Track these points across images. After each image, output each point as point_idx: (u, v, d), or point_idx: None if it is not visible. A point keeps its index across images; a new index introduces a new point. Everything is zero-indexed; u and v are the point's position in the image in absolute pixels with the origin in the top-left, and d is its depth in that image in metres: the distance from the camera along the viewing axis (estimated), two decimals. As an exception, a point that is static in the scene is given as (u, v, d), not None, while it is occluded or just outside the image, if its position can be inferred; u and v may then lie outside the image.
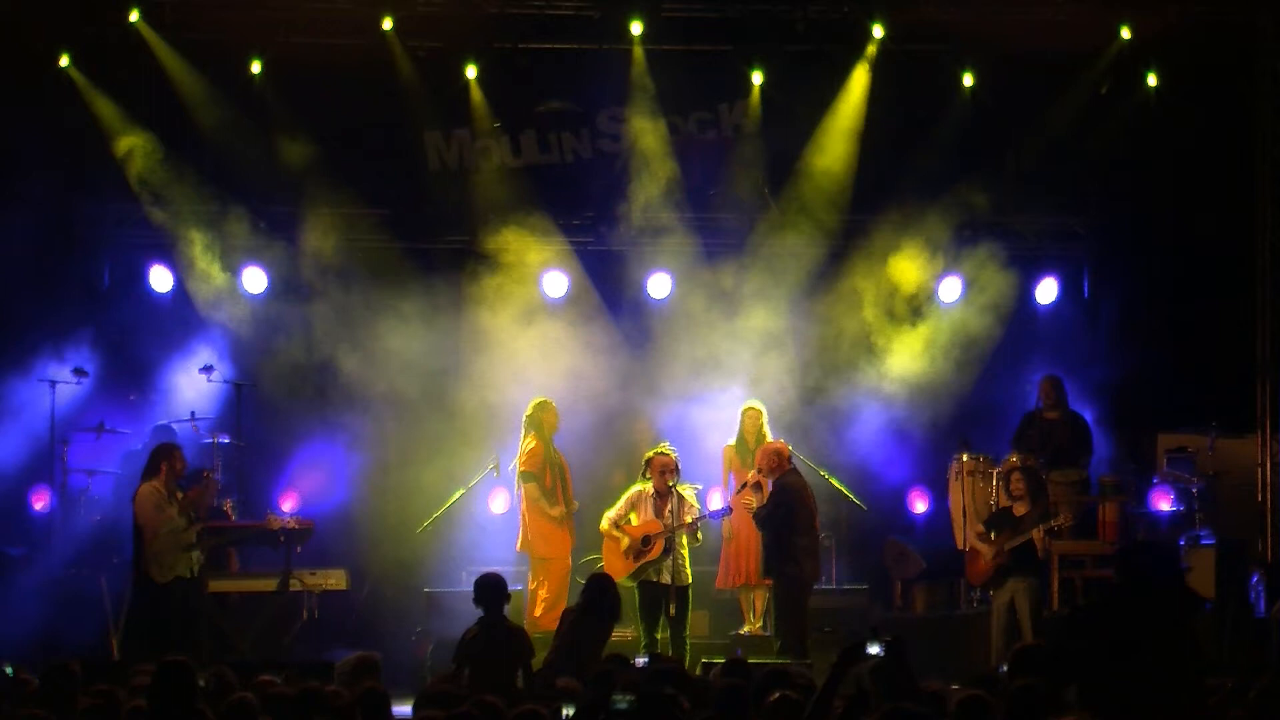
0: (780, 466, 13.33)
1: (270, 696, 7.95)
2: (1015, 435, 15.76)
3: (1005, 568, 13.52)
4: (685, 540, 13.22)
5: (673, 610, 13.10)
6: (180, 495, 13.13)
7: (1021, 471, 14.00)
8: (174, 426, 15.56)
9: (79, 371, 15.44)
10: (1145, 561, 7.68)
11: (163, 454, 13.23)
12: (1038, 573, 13.62)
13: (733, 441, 14.58)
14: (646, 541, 13.09)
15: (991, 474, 14.91)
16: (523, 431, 14.64)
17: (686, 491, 13.29)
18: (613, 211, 16.57)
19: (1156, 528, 15.11)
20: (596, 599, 11.52)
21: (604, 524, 13.41)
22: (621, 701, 7.31)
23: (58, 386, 15.19)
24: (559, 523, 14.42)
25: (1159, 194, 16.21)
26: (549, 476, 14.49)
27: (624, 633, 14.61)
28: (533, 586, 14.33)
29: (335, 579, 14.82)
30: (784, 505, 13.16)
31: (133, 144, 16.00)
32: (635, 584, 13.19)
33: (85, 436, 15.41)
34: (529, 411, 14.66)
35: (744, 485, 13.50)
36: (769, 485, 13.31)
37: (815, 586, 15.08)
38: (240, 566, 15.09)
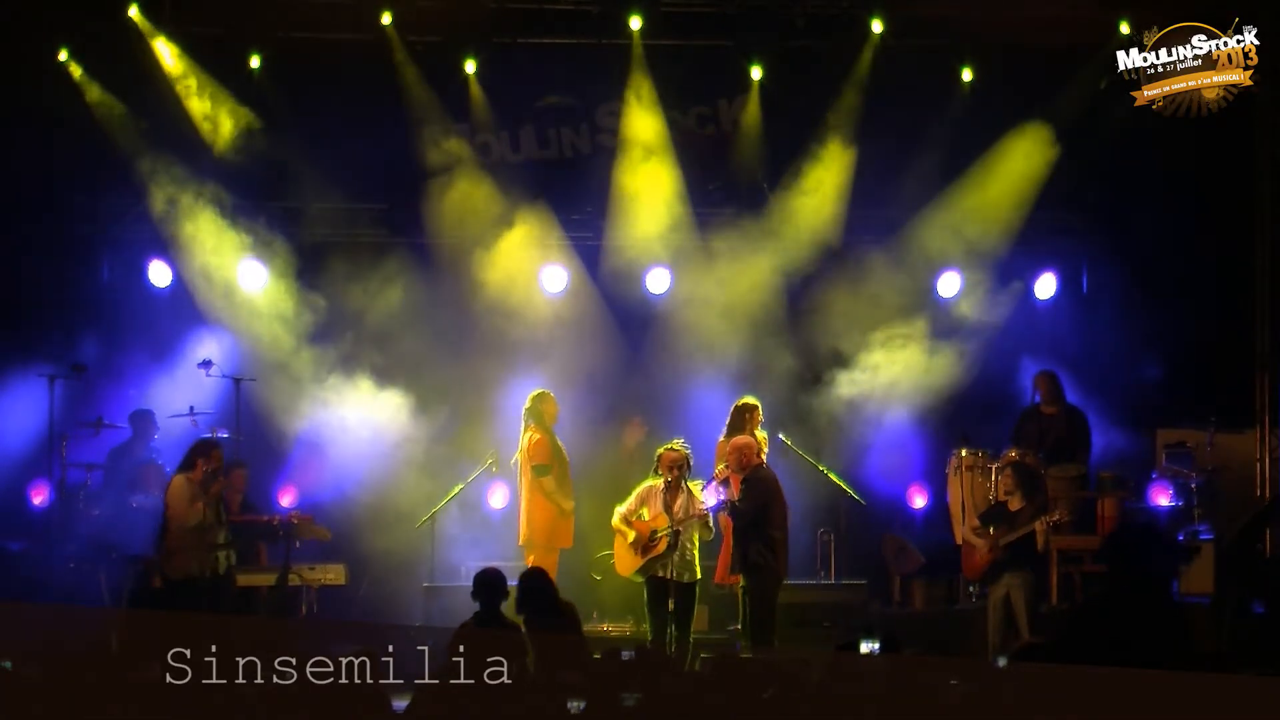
0: (749, 462, 13.30)
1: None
2: (1014, 430, 15.78)
3: (1000, 562, 13.54)
4: (695, 536, 13.16)
5: (671, 605, 13.08)
6: (211, 493, 13.16)
7: (1012, 468, 14.00)
8: (151, 409, 15.57)
9: (77, 367, 15.43)
10: (1135, 549, 7.73)
11: (200, 450, 13.28)
12: (1033, 567, 13.63)
13: (722, 437, 14.54)
14: (653, 537, 13.07)
15: (990, 469, 14.93)
16: (523, 424, 14.65)
17: (696, 488, 13.27)
18: (612, 207, 16.57)
19: (1153, 519, 15.14)
20: (527, 600, 11.30)
21: (615, 519, 13.38)
22: None
23: (56, 381, 15.19)
24: (568, 515, 14.46)
25: (1158, 189, 16.21)
26: (558, 468, 14.52)
27: (622, 627, 14.66)
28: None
29: (334, 574, 14.83)
30: (760, 499, 13.13)
31: (130, 139, 16.02)
32: (643, 579, 13.17)
33: (84, 431, 15.42)
34: (528, 404, 14.68)
35: (710, 481, 13.42)
36: (738, 481, 13.28)
37: (814, 581, 15.16)
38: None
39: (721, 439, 14.49)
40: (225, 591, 13.27)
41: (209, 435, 14.97)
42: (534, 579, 11.40)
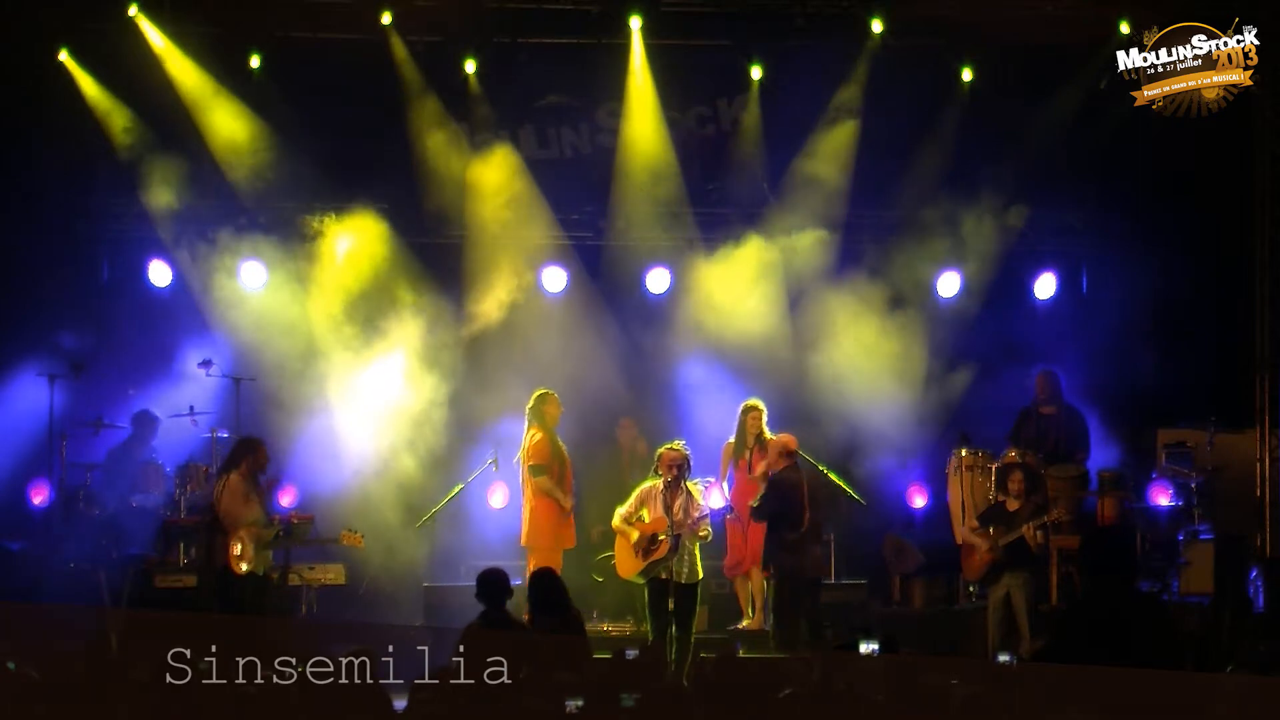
0: (777, 462, 13.32)
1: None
2: (1012, 430, 15.78)
3: (999, 563, 13.56)
4: (701, 533, 13.19)
5: (671, 606, 13.10)
6: (260, 491, 13.29)
7: (1020, 469, 14.00)
8: (156, 413, 15.59)
9: (77, 367, 15.43)
10: (1101, 549, 7.77)
11: (247, 448, 13.35)
12: (1033, 567, 13.65)
13: (732, 439, 14.58)
14: (654, 540, 13.08)
15: (990, 469, 14.92)
16: (526, 424, 14.66)
17: (695, 488, 13.28)
18: (611, 207, 16.58)
19: (1154, 519, 15.16)
20: (543, 598, 11.37)
21: (616, 520, 13.39)
22: None
23: (56, 381, 15.18)
24: (568, 514, 14.48)
25: (1157, 189, 16.21)
26: (557, 468, 14.52)
27: (623, 627, 14.67)
28: (533, 581, 14.34)
29: (334, 573, 14.85)
30: (775, 502, 13.16)
31: (130, 138, 16.03)
32: (645, 581, 13.18)
33: (84, 431, 15.42)
34: (530, 404, 14.67)
35: (710, 482, 13.55)
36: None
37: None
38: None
39: (730, 440, 14.51)
40: (273, 591, 13.38)
41: (150, 425, 15.15)
42: (544, 578, 11.42)
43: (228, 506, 13.10)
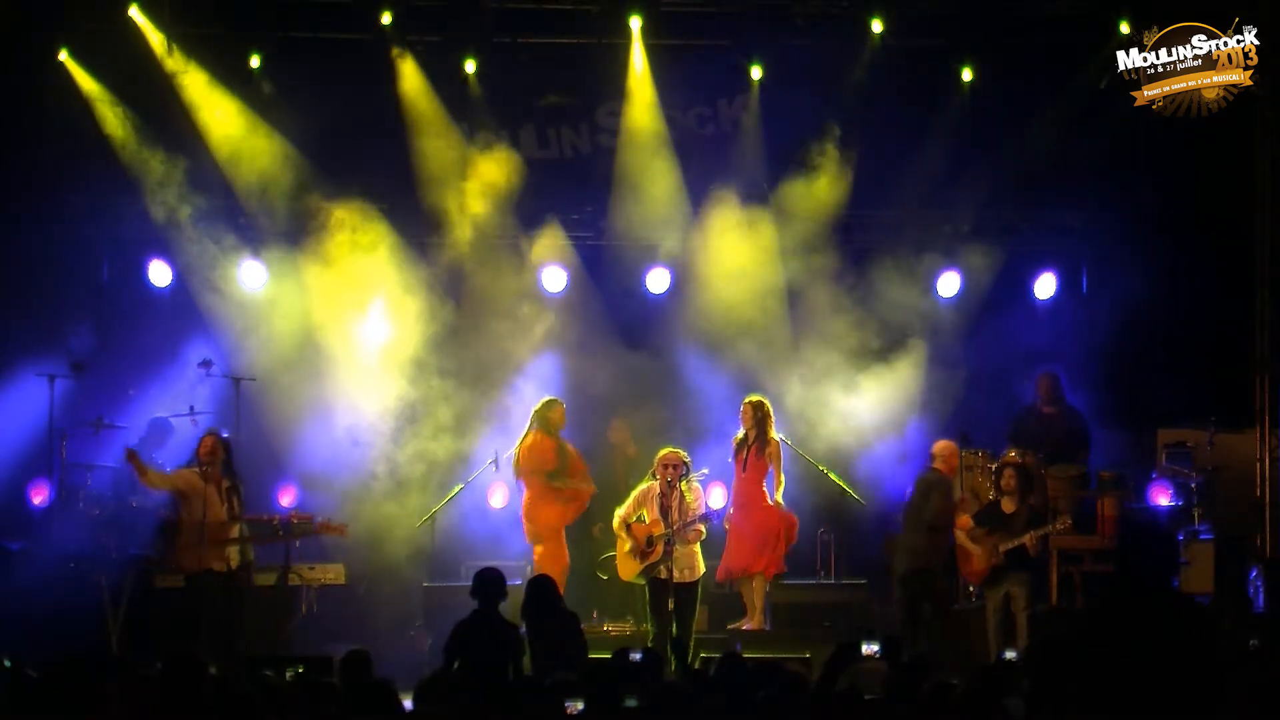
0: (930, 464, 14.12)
1: (272, 689, 7.97)
2: (1011, 430, 15.78)
3: (1000, 567, 13.58)
4: (691, 538, 13.24)
5: (670, 605, 13.13)
6: (227, 486, 13.26)
7: (1013, 468, 14.00)
8: (171, 420, 15.60)
9: (77, 366, 15.43)
10: (1144, 556, 7.70)
11: (199, 445, 13.45)
12: (1033, 568, 13.65)
13: (739, 434, 14.57)
14: (649, 543, 13.17)
15: (990, 469, 14.93)
16: (527, 426, 14.71)
17: (689, 488, 13.30)
18: (611, 207, 16.58)
19: (1156, 520, 15.13)
20: (531, 600, 11.36)
21: (615, 521, 13.50)
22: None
23: (56, 381, 15.19)
24: (568, 501, 14.51)
25: (1157, 189, 16.20)
26: (555, 464, 14.55)
27: (623, 627, 14.67)
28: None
29: (334, 573, 14.86)
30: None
31: (130, 138, 16.03)
32: (645, 582, 13.25)
33: (84, 431, 15.42)
34: (537, 408, 14.80)
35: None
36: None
37: (814, 581, 15.19)
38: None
39: (738, 436, 14.51)
40: (239, 587, 13.35)
41: (164, 432, 15.23)
42: (540, 585, 11.42)
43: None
